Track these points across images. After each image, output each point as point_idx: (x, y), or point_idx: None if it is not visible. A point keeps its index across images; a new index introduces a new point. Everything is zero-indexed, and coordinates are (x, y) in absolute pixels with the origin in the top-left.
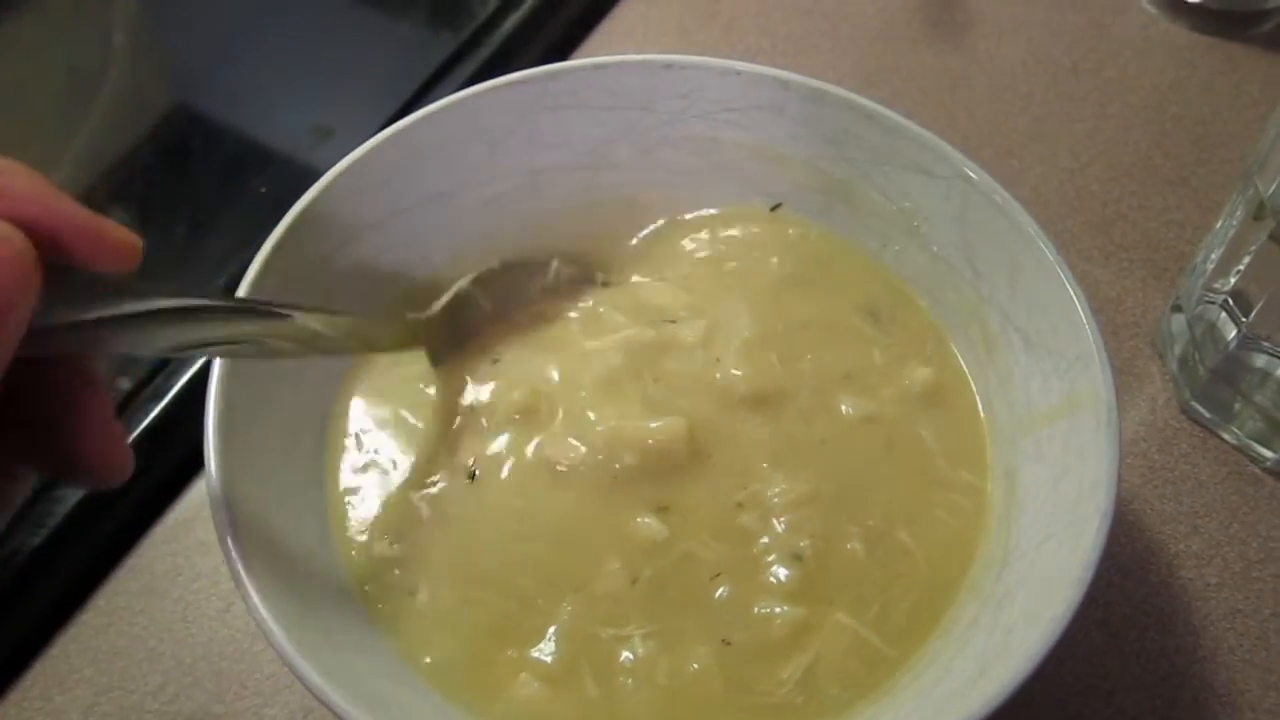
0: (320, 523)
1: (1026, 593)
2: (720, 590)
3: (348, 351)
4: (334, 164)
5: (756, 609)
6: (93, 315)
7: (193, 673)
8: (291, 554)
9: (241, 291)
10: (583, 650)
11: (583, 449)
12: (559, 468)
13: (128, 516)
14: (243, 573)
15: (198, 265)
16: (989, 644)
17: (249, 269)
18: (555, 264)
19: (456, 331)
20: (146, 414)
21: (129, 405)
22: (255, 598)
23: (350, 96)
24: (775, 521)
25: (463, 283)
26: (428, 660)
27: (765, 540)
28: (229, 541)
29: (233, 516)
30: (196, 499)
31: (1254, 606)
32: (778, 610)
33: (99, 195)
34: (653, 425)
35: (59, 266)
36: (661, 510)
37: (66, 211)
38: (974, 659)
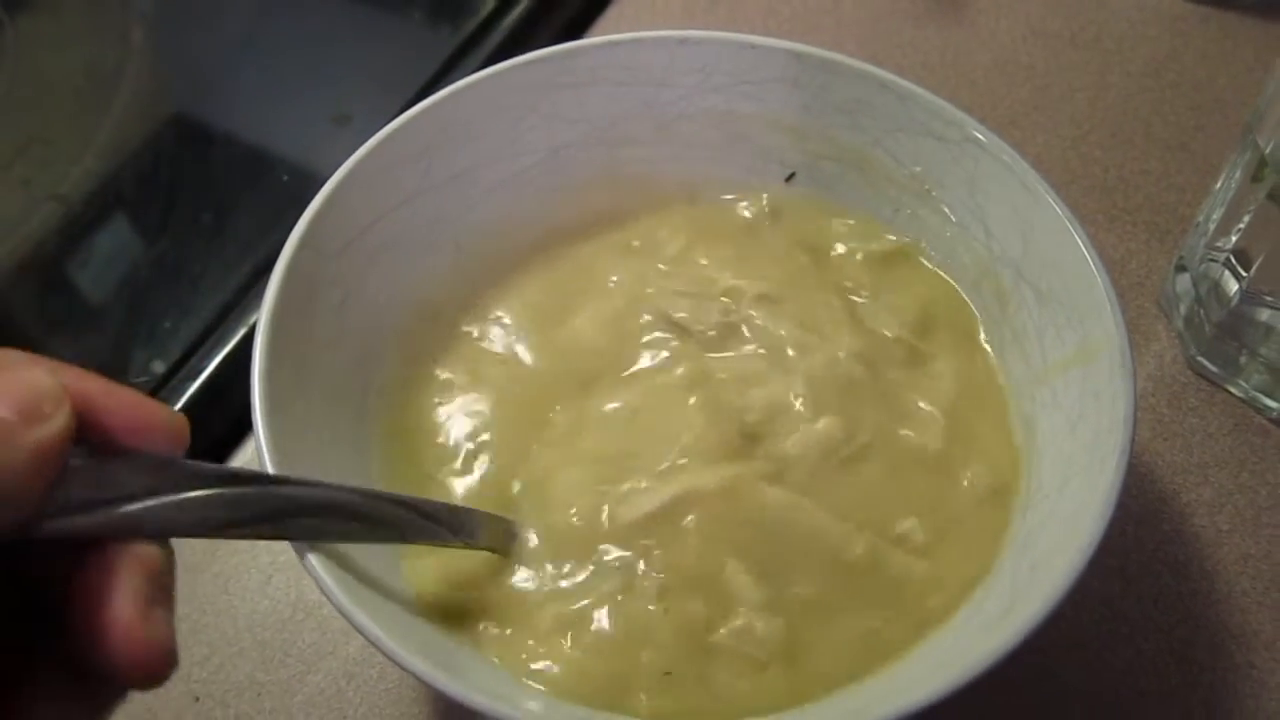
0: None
1: (1050, 533)
2: None
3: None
4: (353, 151)
5: None
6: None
7: (237, 643)
8: None
9: (276, 275)
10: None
11: None
12: None
13: None
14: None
15: (224, 252)
16: (1015, 583)
17: (283, 249)
18: None
19: None
20: (183, 393)
21: (165, 385)
22: (312, 558)
23: (367, 86)
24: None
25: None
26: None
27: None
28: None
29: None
30: None
31: (1265, 551)
32: None
33: (122, 189)
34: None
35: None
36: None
37: (107, 387)
38: (1000, 598)
